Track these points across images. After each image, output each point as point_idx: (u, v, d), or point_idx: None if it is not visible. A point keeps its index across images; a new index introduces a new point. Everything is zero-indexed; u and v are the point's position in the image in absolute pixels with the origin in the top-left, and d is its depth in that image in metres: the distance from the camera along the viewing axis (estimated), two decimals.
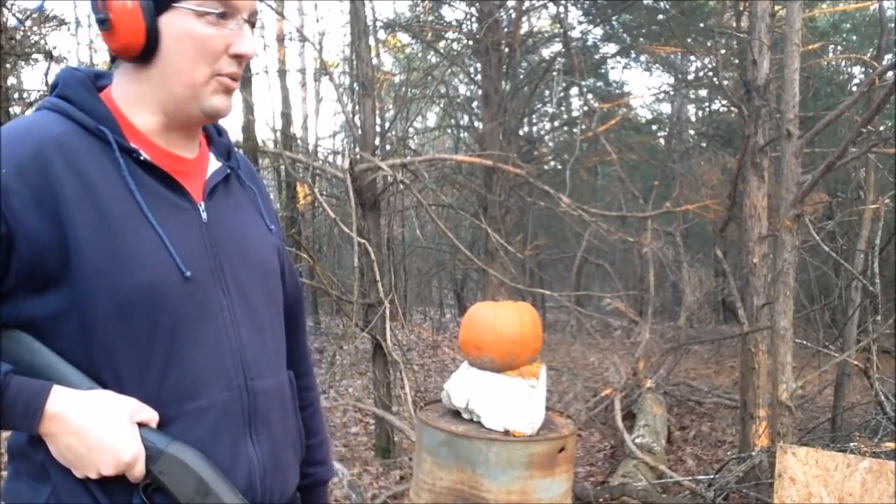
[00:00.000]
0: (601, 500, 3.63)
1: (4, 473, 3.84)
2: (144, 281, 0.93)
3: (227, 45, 0.99)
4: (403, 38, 9.33)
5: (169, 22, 0.96)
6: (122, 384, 0.93)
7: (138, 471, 0.92)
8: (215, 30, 0.97)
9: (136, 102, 1.01)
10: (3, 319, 0.91)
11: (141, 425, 0.93)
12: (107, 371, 0.93)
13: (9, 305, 0.91)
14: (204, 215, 1.03)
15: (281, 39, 10.46)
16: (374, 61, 7.45)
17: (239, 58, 1.00)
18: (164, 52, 0.98)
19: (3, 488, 0.99)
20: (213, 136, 1.15)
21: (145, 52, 0.98)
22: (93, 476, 0.91)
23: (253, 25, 1.02)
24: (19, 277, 0.89)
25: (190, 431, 0.96)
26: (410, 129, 8.55)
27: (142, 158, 0.98)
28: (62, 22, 5.46)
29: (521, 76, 8.31)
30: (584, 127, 6.85)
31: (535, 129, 11.56)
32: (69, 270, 0.90)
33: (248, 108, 5.32)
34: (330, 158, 9.50)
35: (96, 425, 0.89)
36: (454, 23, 8.19)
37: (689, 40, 6.95)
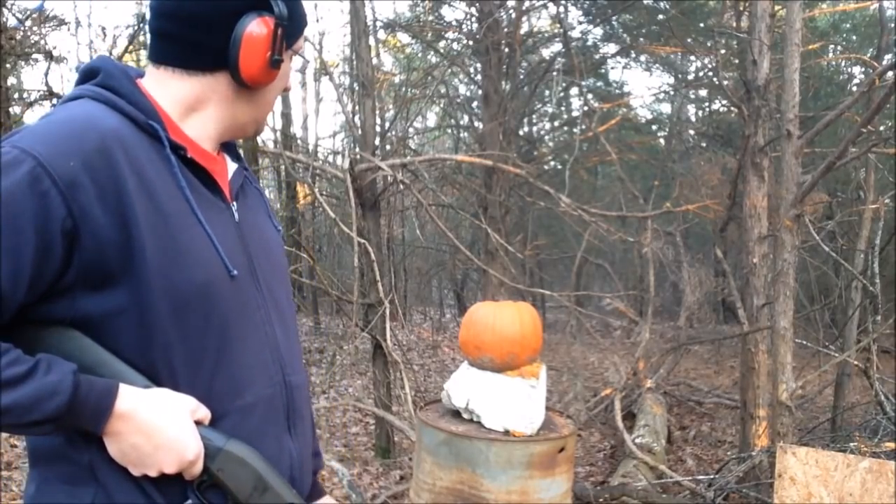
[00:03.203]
0: (601, 500, 3.63)
1: (5, 473, 3.77)
2: (199, 279, 0.94)
3: None
4: (403, 38, 9.33)
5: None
6: (176, 382, 0.93)
7: (197, 468, 0.92)
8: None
9: (192, 108, 1.02)
10: (58, 316, 0.89)
11: (197, 423, 0.94)
12: (163, 369, 0.92)
13: (65, 302, 0.89)
14: (236, 215, 1.05)
15: None
16: (374, 61, 7.44)
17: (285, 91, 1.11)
18: (265, 83, 1.04)
19: (29, 495, 0.96)
20: None
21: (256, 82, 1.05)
22: (153, 474, 0.91)
23: None
24: (79, 273, 0.88)
25: (238, 428, 0.97)
26: (410, 129, 8.54)
27: (188, 156, 0.98)
28: (62, 22, 5.46)
29: (521, 76, 8.31)
30: (584, 127, 6.85)
31: (535, 129, 11.56)
32: (130, 267, 0.89)
33: None
34: (330, 158, 9.50)
35: (163, 424, 0.90)
36: (454, 23, 8.19)
37: (689, 40, 6.95)
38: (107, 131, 0.91)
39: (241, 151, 1.20)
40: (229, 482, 0.94)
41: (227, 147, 1.13)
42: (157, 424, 0.89)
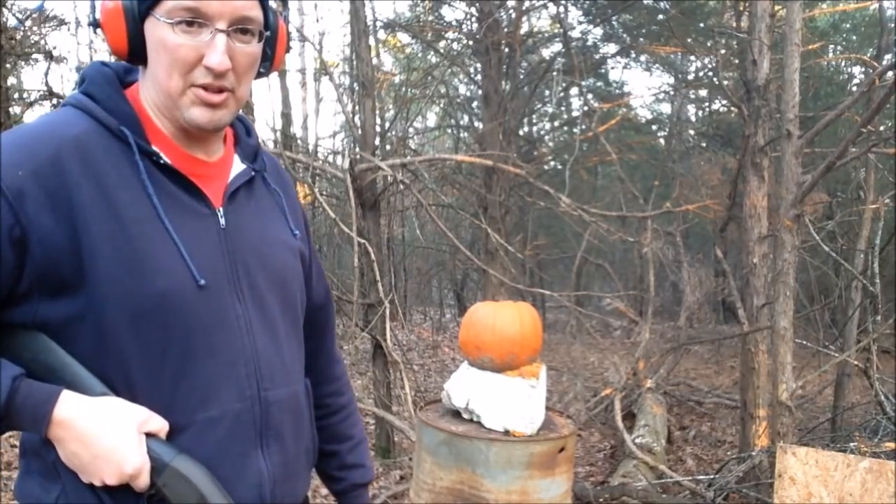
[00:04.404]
0: (601, 500, 3.63)
1: (5, 473, 3.81)
2: (158, 288, 0.92)
3: (199, 56, 0.93)
4: (403, 38, 9.33)
5: (149, 29, 0.95)
6: (133, 391, 0.92)
7: (142, 482, 0.91)
8: (187, 39, 0.93)
9: (151, 103, 1.00)
10: (21, 320, 0.90)
11: (149, 435, 0.92)
12: (118, 377, 0.92)
13: (25, 307, 0.90)
14: (222, 221, 1.01)
15: None
16: (374, 61, 7.44)
17: (210, 70, 0.94)
18: (149, 59, 0.97)
19: (15, 484, 1.00)
20: (242, 136, 1.12)
21: (132, 57, 0.97)
22: (97, 483, 0.90)
23: (246, 33, 0.96)
24: (33, 281, 0.88)
25: (200, 441, 0.95)
26: (410, 129, 8.54)
27: (161, 162, 0.96)
28: (62, 22, 5.47)
29: (521, 76, 8.31)
30: (584, 127, 6.85)
31: (535, 129, 11.55)
32: (83, 276, 0.88)
33: (248, 108, 5.32)
34: (330, 158, 9.48)
35: (102, 434, 0.88)
36: (454, 23, 8.19)
37: (689, 40, 6.94)
38: (65, 139, 0.91)
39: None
40: (172, 499, 0.92)
41: (243, 146, 1.11)
42: (95, 434, 0.88)
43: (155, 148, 0.97)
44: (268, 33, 1.01)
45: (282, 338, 1.07)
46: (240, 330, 1.00)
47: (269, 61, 1.05)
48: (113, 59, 1.04)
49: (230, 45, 0.95)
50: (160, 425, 0.92)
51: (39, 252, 0.87)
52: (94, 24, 0.96)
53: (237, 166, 1.08)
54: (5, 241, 0.85)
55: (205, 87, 0.95)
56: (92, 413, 0.88)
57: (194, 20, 0.92)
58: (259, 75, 1.05)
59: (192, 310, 0.94)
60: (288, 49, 1.10)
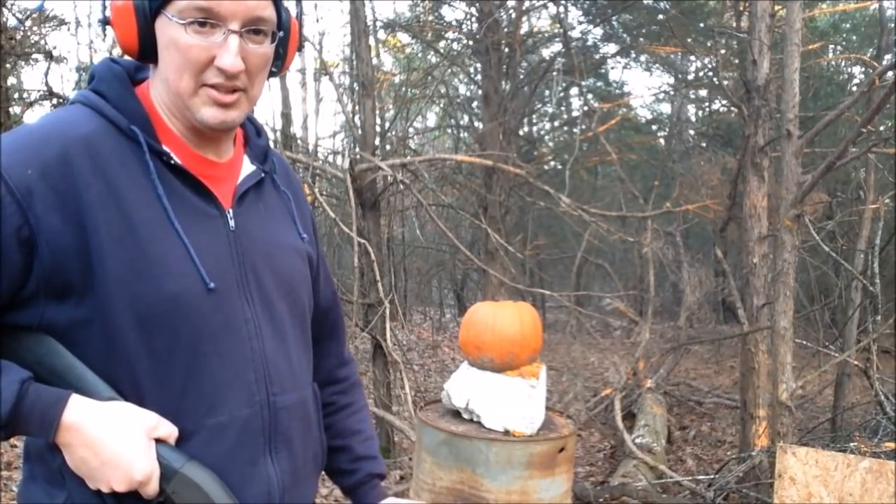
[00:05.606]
0: (601, 500, 3.63)
1: (5, 473, 3.79)
2: (167, 292, 0.90)
3: (211, 57, 0.92)
4: (403, 38, 9.32)
5: (160, 28, 0.93)
6: (140, 395, 0.91)
7: (151, 489, 0.89)
8: (199, 39, 0.91)
9: (162, 102, 0.98)
10: (26, 323, 0.89)
11: (159, 441, 0.90)
12: (126, 382, 0.90)
13: (31, 310, 0.88)
14: (232, 223, 1.00)
15: None
16: (374, 61, 7.44)
17: (222, 71, 0.92)
18: (160, 58, 0.95)
19: (18, 489, 0.98)
20: (252, 136, 1.10)
21: (143, 55, 0.95)
22: (105, 490, 0.88)
23: (259, 33, 0.95)
24: (41, 282, 0.86)
25: (208, 447, 0.94)
26: (410, 129, 8.54)
27: (172, 162, 0.95)
28: (62, 22, 5.47)
29: (521, 76, 8.30)
30: (584, 127, 6.86)
31: (535, 129, 11.55)
32: (91, 278, 0.87)
33: None
34: (330, 158, 9.47)
35: (111, 440, 0.86)
36: (454, 23, 8.19)
37: (689, 40, 6.94)
38: (73, 138, 0.89)
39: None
40: None
41: (252, 147, 1.09)
42: (104, 440, 0.86)
43: (165, 147, 0.95)
44: (280, 34, 1.00)
45: (290, 342, 1.05)
46: (248, 334, 0.98)
47: (281, 60, 1.04)
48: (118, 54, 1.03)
49: (243, 45, 0.93)
50: (170, 431, 0.91)
51: (47, 253, 0.85)
52: (104, 22, 0.95)
53: (247, 167, 1.07)
54: (13, 242, 0.84)
55: (216, 87, 0.94)
56: (101, 418, 0.87)
57: (207, 20, 0.91)
58: (271, 75, 1.04)
59: (200, 314, 0.93)
60: (300, 48, 1.08)
